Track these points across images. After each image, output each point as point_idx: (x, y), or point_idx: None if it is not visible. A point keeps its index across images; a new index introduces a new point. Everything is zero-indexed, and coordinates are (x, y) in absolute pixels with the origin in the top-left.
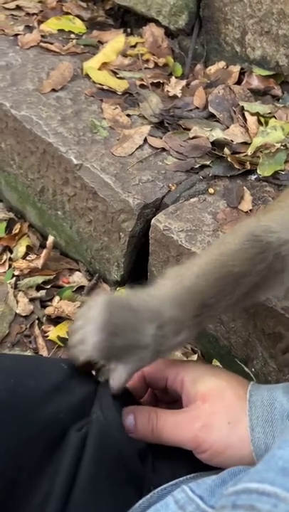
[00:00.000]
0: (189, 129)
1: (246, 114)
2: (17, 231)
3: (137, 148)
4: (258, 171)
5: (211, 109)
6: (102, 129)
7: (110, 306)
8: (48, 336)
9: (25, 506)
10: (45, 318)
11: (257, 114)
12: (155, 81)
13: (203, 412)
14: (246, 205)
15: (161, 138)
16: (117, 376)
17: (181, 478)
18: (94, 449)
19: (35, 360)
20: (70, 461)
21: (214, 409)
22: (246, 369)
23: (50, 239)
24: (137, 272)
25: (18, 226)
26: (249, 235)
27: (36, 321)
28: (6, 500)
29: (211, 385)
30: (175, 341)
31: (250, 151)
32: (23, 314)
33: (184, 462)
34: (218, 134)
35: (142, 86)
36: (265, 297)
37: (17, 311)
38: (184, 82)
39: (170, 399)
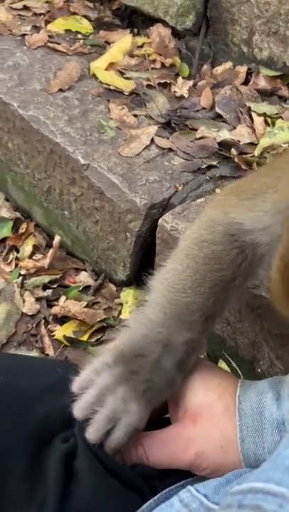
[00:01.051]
0: (196, 130)
1: (253, 114)
2: (23, 230)
3: (143, 149)
4: None
5: (217, 110)
6: (109, 129)
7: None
8: (54, 336)
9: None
10: (51, 317)
11: (264, 114)
12: (162, 81)
13: (195, 437)
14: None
15: (168, 138)
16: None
17: (187, 480)
18: (85, 459)
19: (30, 360)
20: (59, 471)
21: (206, 432)
22: (236, 366)
23: (57, 238)
24: (143, 273)
25: (24, 226)
26: (227, 235)
27: (42, 321)
28: None
29: (201, 401)
30: (192, 361)
31: (257, 151)
32: (30, 314)
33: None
34: (225, 134)
35: (149, 86)
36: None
37: (23, 311)
38: (190, 83)
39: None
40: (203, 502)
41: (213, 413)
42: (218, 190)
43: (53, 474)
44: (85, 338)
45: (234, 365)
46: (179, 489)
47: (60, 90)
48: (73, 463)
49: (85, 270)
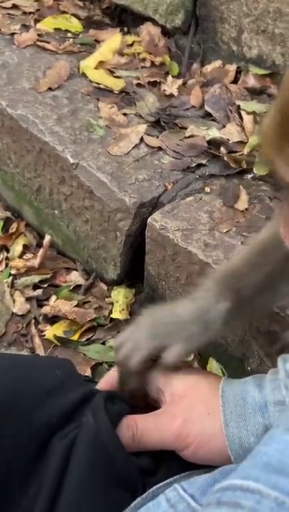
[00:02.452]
0: (186, 128)
1: (242, 113)
2: (14, 230)
3: (133, 147)
4: (254, 170)
5: (207, 108)
6: (99, 128)
7: (151, 313)
8: (44, 336)
9: (14, 509)
10: (41, 317)
11: (253, 113)
12: (152, 80)
13: (181, 409)
14: (242, 204)
15: (157, 137)
16: (172, 351)
17: (174, 477)
18: (83, 452)
19: (31, 360)
20: (57, 465)
21: (192, 404)
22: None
23: (47, 238)
24: (134, 272)
25: (14, 225)
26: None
27: (33, 320)
28: None
29: (185, 382)
30: (219, 313)
31: (246, 150)
32: (20, 313)
33: (179, 462)
34: (214, 133)
35: (139, 85)
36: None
37: (14, 310)
38: (180, 81)
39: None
40: (190, 503)
41: (198, 389)
42: (207, 189)
43: (48, 471)
44: (75, 337)
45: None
46: (166, 487)
47: (50, 89)
48: (69, 458)
49: (75, 269)
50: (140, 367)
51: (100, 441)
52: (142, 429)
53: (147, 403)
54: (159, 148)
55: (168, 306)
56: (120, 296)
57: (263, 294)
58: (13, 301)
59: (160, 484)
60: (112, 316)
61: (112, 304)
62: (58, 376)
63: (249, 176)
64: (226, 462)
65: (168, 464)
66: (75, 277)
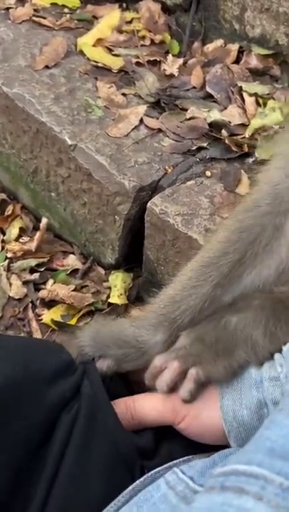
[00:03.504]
0: (186, 110)
1: (244, 94)
2: (9, 213)
3: (132, 129)
4: (255, 154)
5: (208, 89)
6: (97, 109)
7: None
8: (41, 320)
9: (24, 487)
10: (38, 301)
11: (255, 94)
12: (151, 59)
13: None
14: (244, 188)
15: (157, 118)
16: (105, 363)
17: (174, 462)
18: (84, 424)
19: (35, 342)
20: (61, 441)
21: None
22: None
23: (44, 221)
24: (132, 256)
25: (10, 208)
26: None
27: (30, 304)
28: (11, 479)
29: None
30: (155, 344)
31: (247, 133)
32: (17, 297)
33: (180, 444)
34: (215, 115)
35: (138, 64)
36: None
37: (10, 294)
38: (181, 61)
39: None
40: (189, 484)
41: None
42: (207, 173)
43: (53, 446)
44: (73, 322)
45: None
46: (165, 471)
47: (46, 67)
48: (72, 430)
49: (73, 253)
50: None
51: (100, 413)
52: (140, 405)
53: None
54: (159, 130)
55: (112, 323)
56: (118, 281)
57: (204, 311)
58: (10, 284)
59: (159, 468)
60: (110, 300)
61: (109, 288)
62: (64, 358)
63: (251, 160)
64: (219, 439)
65: (167, 447)
66: (73, 261)
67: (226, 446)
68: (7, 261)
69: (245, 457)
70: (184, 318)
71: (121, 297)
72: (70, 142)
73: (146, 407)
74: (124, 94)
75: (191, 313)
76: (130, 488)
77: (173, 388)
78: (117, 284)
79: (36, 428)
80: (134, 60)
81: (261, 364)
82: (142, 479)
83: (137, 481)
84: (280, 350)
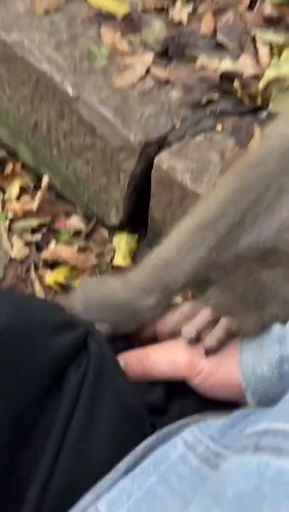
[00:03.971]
0: (196, 59)
1: (258, 43)
2: (9, 171)
3: (139, 80)
4: (269, 107)
5: (219, 38)
6: (101, 57)
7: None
8: (44, 281)
9: (28, 442)
10: (41, 262)
11: (270, 44)
12: (159, 5)
13: None
14: (256, 144)
15: (165, 68)
16: (101, 328)
17: (186, 420)
18: (92, 382)
19: (37, 299)
20: (70, 398)
21: None
22: None
23: (45, 180)
24: (137, 217)
25: (10, 166)
26: None
27: (32, 266)
28: (14, 437)
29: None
30: (146, 306)
31: (261, 84)
32: (19, 258)
33: (192, 401)
34: (227, 65)
35: (144, 10)
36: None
37: (12, 255)
38: (190, 7)
39: None
40: (209, 446)
41: None
42: (218, 127)
43: (61, 403)
44: (76, 284)
45: None
46: (179, 429)
47: (47, 12)
48: (82, 387)
49: (75, 214)
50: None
51: (107, 371)
52: (153, 357)
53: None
54: (167, 81)
55: (103, 286)
56: (122, 243)
57: (199, 274)
58: (12, 245)
59: (172, 426)
60: (113, 262)
61: (113, 250)
62: (66, 314)
63: (264, 114)
64: (233, 395)
65: (178, 403)
66: (75, 222)
67: (237, 404)
68: (8, 221)
69: (282, 415)
70: (178, 283)
71: (125, 259)
72: (72, 93)
73: (160, 359)
74: (129, 42)
75: (184, 278)
76: (142, 446)
77: (197, 339)
78: (121, 246)
79: (38, 381)
80: (140, 6)
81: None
82: (153, 437)
83: (148, 439)
84: None
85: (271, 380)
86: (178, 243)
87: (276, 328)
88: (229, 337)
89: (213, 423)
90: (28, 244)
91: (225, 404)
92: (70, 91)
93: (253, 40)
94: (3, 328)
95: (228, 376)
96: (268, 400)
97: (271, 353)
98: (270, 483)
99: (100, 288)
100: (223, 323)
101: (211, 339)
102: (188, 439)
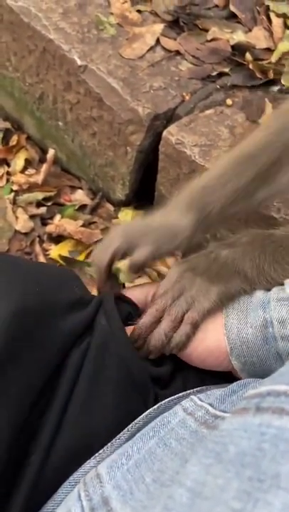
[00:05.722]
0: (207, 30)
1: (271, 15)
2: (14, 143)
3: (148, 50)
4: (282, 81)
5: (232, 8)
6: (109, 26)
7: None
8: (49, 255)
9: (33, 420)
10: (46, 236)
11: (283, 15)
12: None
13: None
14: (267, 119)
15: (175, 39)
16: (141, 251)
17: (188, 391)
18: (95, 353)
19: (53, 269)
20: (71, 373)
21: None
22: None
23: (51, 152)
24: (144, 192)
25: (15, 138)
26: None
27: (37, 239)
28: (29, 415)
29: None
30: (185, 226)
31: (274, 57)
32: (23, 231)
33: (194, 376)
34: (239, 36)
35: None
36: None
37: (16, 228)
38: None
39: None
40: (209, 410)
41: None
42: (228, 101)
43: (62, 379)
44: (81, 258)
45: None
46: (180, 399)
47: None
48: (83, 364)
49: (80, 188)
50: (110, 263)
51: (115, 346)
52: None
53: None
54: (177, 53)
55: (139, 218)
56: (128, 218)
57: (236, 205)
58: (16, 218)
59: (174, 396)
60: None
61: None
62: (77, 292)
63: (276, 88)
64: (222, 363)
65: (181, 376)
66: (81, 196)
67: (237, 378)
68: (13, 194)
69: (284, 378)
70: (215, 207)
71: None
72: (79, 63)
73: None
74: (139, 11)
75: (222, 203)
76: (144, 414)
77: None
78: (127, 221)
79: (47, 362)
80: None
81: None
82: (155, 407)
83: (150, 409)
84: (271, 283)
85: (255, 343)
86: (221, 171)
87: (259, 294)
88: (195, 328)
89: (213, 393)
90: (32, 217)
91: (226, 379)
92: (78, 60)
93: (267, 11)
94: (17, 310)
95: (216, 343)
96: (252, 366)
97: (255, 317)
98: (271, 441)
99: (140, 218)
100: (188, 318)
101: (180, 335)
102: (188, 407)
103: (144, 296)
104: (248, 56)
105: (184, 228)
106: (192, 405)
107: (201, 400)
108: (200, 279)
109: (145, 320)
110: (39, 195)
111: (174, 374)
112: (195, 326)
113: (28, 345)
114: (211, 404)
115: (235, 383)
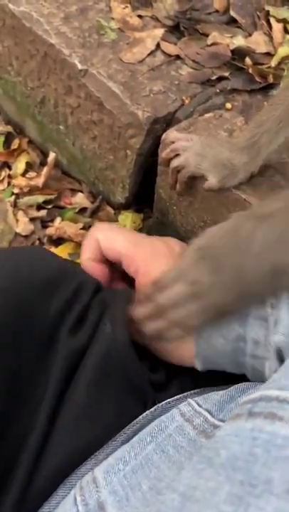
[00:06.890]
0: (207, 35)
1: (272, 20)
2: (16, 146)
3: (148, 55)
4: (280, 85)
5: (232, 13)
6: (110, 31)
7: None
8: None
9: (25, 403)
10: (46, 238)
11: (284, 21)
12: None
13: None
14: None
15: (175, 44)
16: (210, 179)
17: (185, 393)
18: (96, 358)
19: (29, 250)
20: (65, 363)
21: None
22: None
23: (52, 156)
24: (143, 195)
25: (16, 141)
26: None
27: (37, 242)
28: (9, 395)
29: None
30: (242, 159)
31: (273, 62)
32: (24, 234)
33: (191, 379)
34: (239, 41)
35: None
36: None
37: (17, 231)
38: None
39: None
40: (207, 418)
41: None
42: (228, 105)
43: (56, 368)
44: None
45: None
46: (177, 402)
47: None
48: (80, 359)
49: (81, 191)
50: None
51: (115, 350)
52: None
53: None
54: (177, 57)
55: (212, 146)
56: (128, 221)
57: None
58: (17, 220)
59: (171, 399)
60: None
61: None
62: (54, 266)
63: (275, 92)
64: (186, 360)
65: (180, 379)
66: (81, 199)
67: (235, 381)
68: (13, 196)
69: (276, 383)
70: (265, 148)
71: None
72: (80, 67)
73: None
74: (140, 16)
75: (268, 147)
76: (140, 417)
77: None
78: (127, 225)
79: (33, 346)
80: None
81: None
82: (152, 409)
83: (147, 411)
84: None
85: (224, 352)
86: (275, 118)
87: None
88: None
89: (211, 397)
90: (33, 220)
91: (223, 381)
92: (79, 64)
93: (267, 16)
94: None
95: (191, 345)
96: (213, 365)
97: (230, 330)
98: (263, 446)
99: (210, 146)
100: (188, 327)
101: (172, 336)
102: (186, 412)
103: (119, 257)
104: (248, 60)
105: (242, 167)
106: (190, 410)
107: (199, 404)
108: (219, 287)
109: (141, 313)
110: (40, 198)
111: (170, 379)
112: (190, 333)
113: (4, 328)
114: (209, 412)
115: (232, 387)
